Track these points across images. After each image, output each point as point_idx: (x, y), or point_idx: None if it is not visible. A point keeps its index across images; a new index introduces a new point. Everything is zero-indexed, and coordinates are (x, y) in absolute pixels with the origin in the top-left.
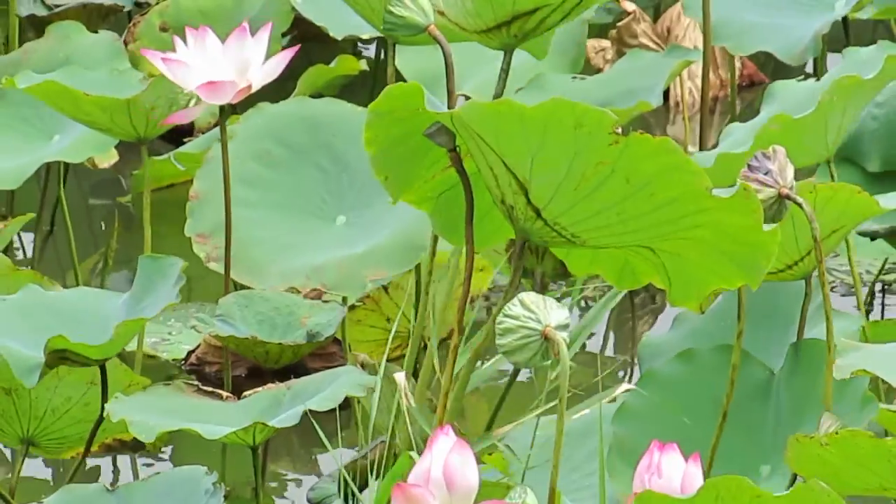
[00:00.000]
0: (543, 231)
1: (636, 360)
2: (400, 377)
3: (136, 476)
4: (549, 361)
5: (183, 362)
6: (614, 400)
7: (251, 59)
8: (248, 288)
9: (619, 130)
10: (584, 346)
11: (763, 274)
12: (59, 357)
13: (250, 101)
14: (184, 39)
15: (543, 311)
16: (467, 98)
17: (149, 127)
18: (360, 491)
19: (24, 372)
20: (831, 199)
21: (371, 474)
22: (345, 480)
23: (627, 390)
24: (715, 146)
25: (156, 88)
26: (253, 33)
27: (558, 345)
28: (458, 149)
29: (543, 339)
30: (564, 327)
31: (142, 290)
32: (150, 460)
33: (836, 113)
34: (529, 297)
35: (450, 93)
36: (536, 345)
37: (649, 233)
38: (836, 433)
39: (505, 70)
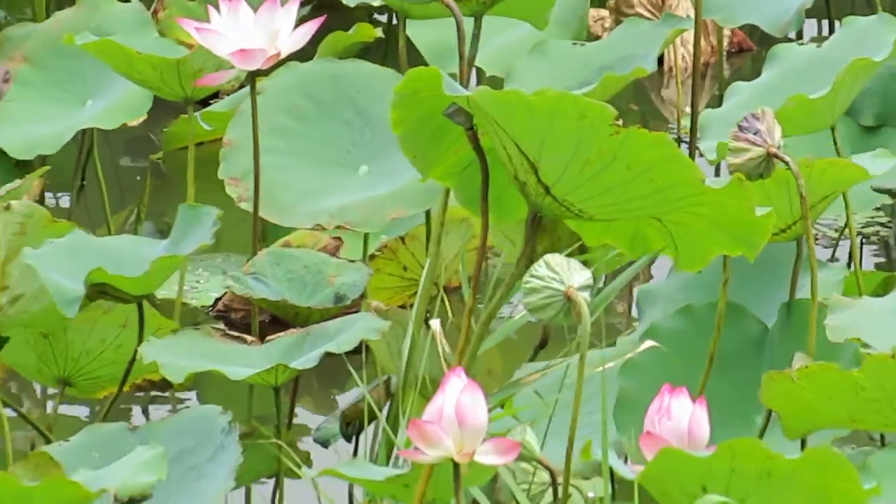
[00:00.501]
0: (553, 206)
1: (633, 308)
2: (435, 324)
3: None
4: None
5: (210, 309)
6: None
7: (281, 28)
8: (276, 227)
9: (620, 122)
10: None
11: (759, 249)
12: (98, 291)
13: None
14: (217, 9)
15: (567, 273)
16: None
17: (195, 88)
18: (362, 429)
19: (65, 304)
20: (825, 172)
21: (381, 410)
22: (346, 423)
23: (650, 347)
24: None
25: (204, 51)
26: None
27: (579, 305)
28: (475, 127)
29: (566, 300)
30: (586, 288)
31: (180, 235)
32: (178, 398)
33: (845, 89)
34: (555, 258)
35: (461, 57)
36: (559, 304)
37: (653, 210)
38: (807, 367)
39: (476, 35)
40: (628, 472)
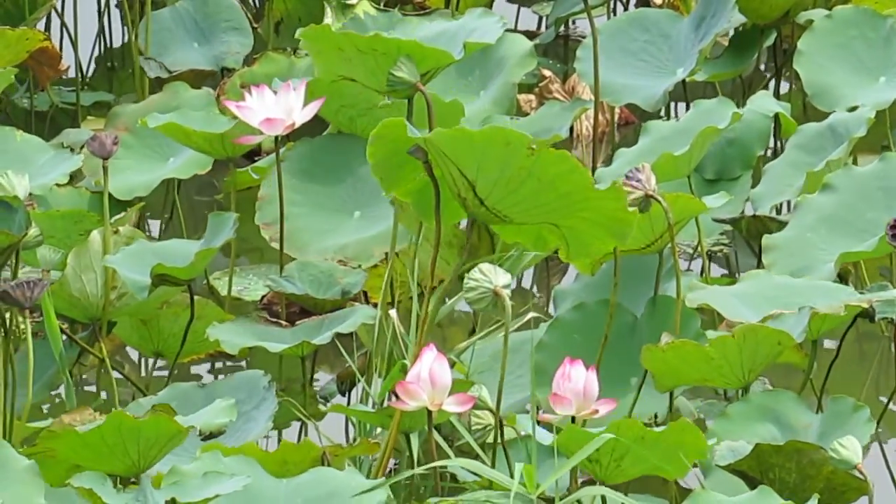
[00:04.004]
0: (486, 214)
1: (551, 301)
2: (393, 313)
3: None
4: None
5: (258, 303)
6: (536, 326)
7: (294, 105)
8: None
9: (534, 146)
10: (518, 288)
11: (627, 238)
12: (160, 279)
13: (297, 134)
14: (251, 94)
15: (494, 276)
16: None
17: (234, 148)
18: (351, 387)
19: (139, 290)
20: (676, 202)
21: (368, 372)
22: (340, 382)
23: (533, 317)
24: (607, 163)
25: (238, 127)
26: (295, 89)
27: (503, 299)
28: (429, 161)
29: (494, 295)
30: (507, 286)
31: (212, 235)
32: (234, 365)
33: (698, 148)
34: (486, 266)
35: (430, 127)
36: (489, 298)
37: (554, 213)
38: (673, 342)
39: (409, 111)
40: (543, 437)
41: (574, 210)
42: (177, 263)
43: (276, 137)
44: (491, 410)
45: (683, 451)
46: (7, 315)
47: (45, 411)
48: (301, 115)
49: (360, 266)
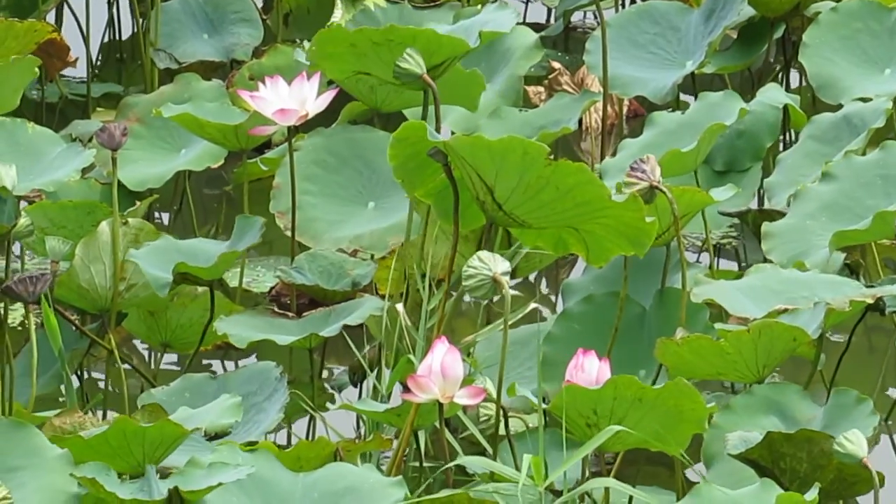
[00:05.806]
0: (504, 218)
1: (560, 294)
2: (400, 307)
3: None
4: (498, 296)
5: (267, 294)
6: (542, 319)
7: (307, 96)
8: (310, 248)
9: (552, 157)
10: (525, 281)
11: (646, 248)
12: (182, 277)
13: (309, 125)
14: (265, 84)
15: (493, 263)
16: (452, 132)
17: (248, 139)
18: (363, 379)
19: (159, 287)
20: (683, 195)
21: (379, 365)
22: (352, 374)
23: (539, 309)
24: (612, 155)
25: (252, 119)
26: (309, 79)
27: (502, 285)
28: (449, 163)
29: (493, 281)
30: (507, 273)
31: (238, 237)
32: (244, 357)
33: (704, 144)
34: (484, 254)
35: (437, 119)
36: (488, 284)
37: (573, 220)
38: (688, 336)
39: (425, 105)
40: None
41: (593, 217)
42: (200, 263)
43: (289, 128)
44: (496, 402)
45: (683, 417)
46: (1, 306)
47: (60, 401)
48: (315, 105)
49: (372, 256)
